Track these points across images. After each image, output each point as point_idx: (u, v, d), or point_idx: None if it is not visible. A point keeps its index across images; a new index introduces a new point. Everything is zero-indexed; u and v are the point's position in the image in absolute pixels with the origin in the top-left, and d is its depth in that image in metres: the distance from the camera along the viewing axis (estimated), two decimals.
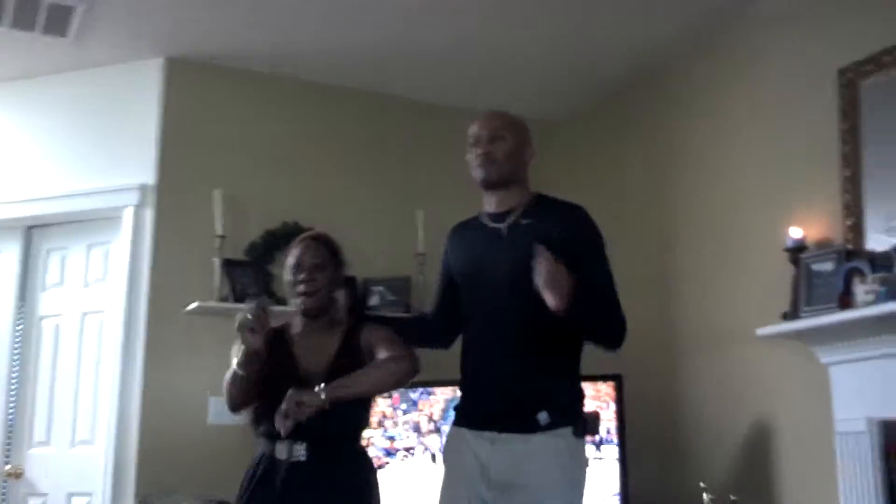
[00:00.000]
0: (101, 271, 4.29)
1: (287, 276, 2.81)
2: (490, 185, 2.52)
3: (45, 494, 4.14)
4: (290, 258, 2.82)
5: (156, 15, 3.89)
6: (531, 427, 2.33)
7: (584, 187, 4.06)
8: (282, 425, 2.53)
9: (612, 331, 2.41)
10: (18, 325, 4.35)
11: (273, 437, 2.65)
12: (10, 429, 4.24)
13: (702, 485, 3.45)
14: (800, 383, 3.37)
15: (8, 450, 4.22)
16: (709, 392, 3.49)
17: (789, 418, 3.42)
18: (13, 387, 4.28)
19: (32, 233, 4.42)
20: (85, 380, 4.21)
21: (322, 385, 2.54)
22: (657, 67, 4.29)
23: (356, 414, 2.75)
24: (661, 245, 4.13)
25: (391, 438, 3.97)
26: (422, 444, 3.95)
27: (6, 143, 4.43)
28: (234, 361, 2.71)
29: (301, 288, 2.75)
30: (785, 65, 3.60)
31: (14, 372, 4.30)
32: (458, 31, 4.05)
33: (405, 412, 3.98)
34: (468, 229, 2.62)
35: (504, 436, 2.36)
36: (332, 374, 2.62)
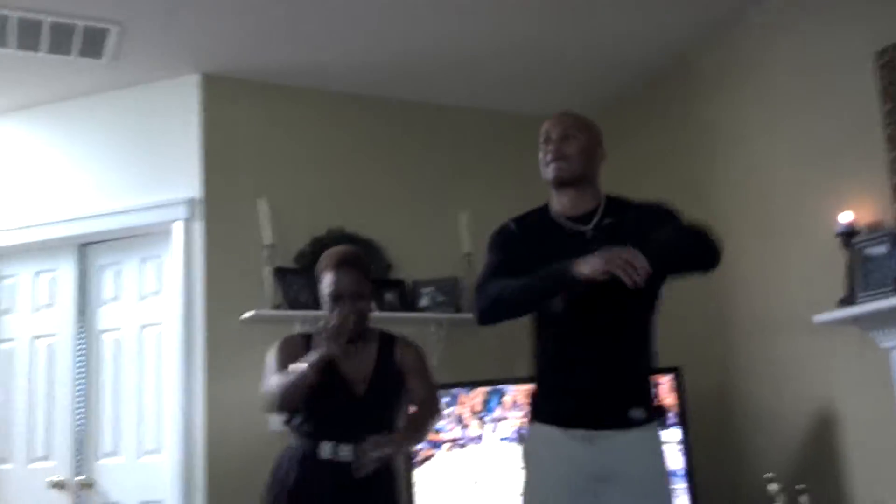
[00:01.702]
0: (155, 285, 4.37)
1: (326, 302, 2.92)
2: (561, 183, 2.47)
3: (117, 503, 4.26)
4: (328, 286, 2.91)
5: (189, 33, 3.93)
6: (626, 423, 2.36)
7: (625, 179, 4.00)
8: (361, 467, 2.73)
9: (701, 260, 2.35)
10: (80, 340, 4.45)
11: (316, 437, 2.84)
12: (79, 441, 4.35)
13: (767, 475, 3.43)
14: (860, 369, 3.33)
15: (78, 462, 4.33)
16: (768, 381, 3.47)
17: (852, 405, 3.38)
18: (79, 400, 4.39)
19: (86, 250, 4.51)
20: (148, 390, 4.30)
21: (393, 440, 2.82)
22: (693, 55, 4.22)
23: (392, 416, 2.94)
24: None
25: (437, 431, 3.97)
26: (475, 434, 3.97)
27: (53, 164, 4.51)
28: (272, 366, 2.92)
29: (345, 318, 2.85)
30: (822, 48, 3.53)
31: (79, 386, 4.41)
32: (491, 35, 4.04)
33: (448, 405, 3.98)
34: (542, 228, 2.51)
35: (600, 433, 2.36)
36: (373, 383, 2.89)
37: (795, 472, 3.50)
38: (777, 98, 3.74)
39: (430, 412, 3.01)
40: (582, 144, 2.46)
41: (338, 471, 2.80)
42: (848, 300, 3.26)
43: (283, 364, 2.89)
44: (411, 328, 4.22)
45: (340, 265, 2.93)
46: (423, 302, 4.29)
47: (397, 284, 4.30)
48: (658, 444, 2.42)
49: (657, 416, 2.45)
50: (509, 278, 2.40)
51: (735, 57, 3.99)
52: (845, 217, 3.28)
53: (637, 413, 2.36)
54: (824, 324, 3.33)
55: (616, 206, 2.48)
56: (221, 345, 4.08)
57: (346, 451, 2.80)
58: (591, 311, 2.36)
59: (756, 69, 3.86)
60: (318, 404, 2.84)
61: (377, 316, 4.08)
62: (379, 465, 2.77)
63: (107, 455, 4.33)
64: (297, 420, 2.91)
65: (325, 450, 2.82)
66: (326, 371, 2.82)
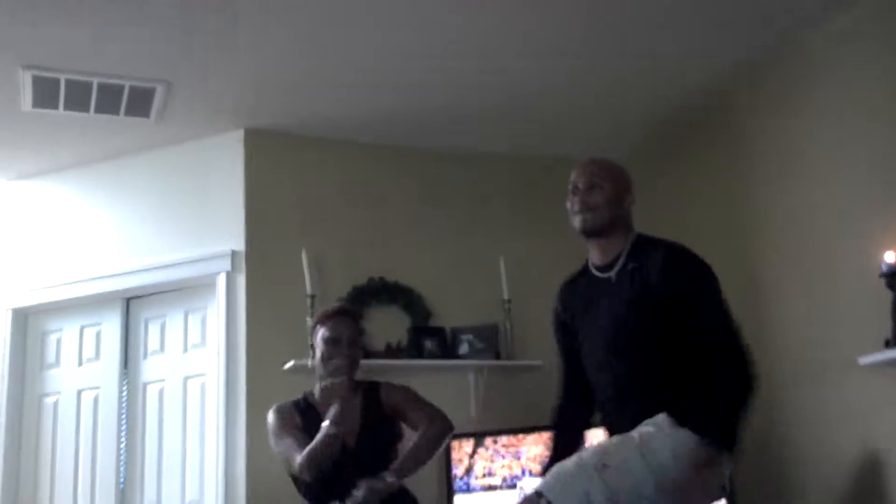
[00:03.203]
0: (199, 336, 4.43)
1: (321, 346, 3.13)
2: (589, 233, 2.52)
3: None
4: (325, 331, 3.12)
5: (232, 91, 4.04)
6: None
7: (669, 214, 4.01)
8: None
9: (739, 395, 2.28)
10: (124, 391, 4.51)
11: (323, 498, 2.96)
12: (123, 492, 4.38)
13: None
14: None
15: None
16: (813, 425, 3.41)
17: None
18: (122, 450, 4.43)
19: (131, 303, 4.59)
20: (190, 441, 4.33)
21: (389, 472, 2.94)
22: (726, 88, 4.22)
23: (388, 459, 3.06)
24: (747, 275, 4.04)
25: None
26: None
27: (100, 221, 4.63)
28: (277, 429, 3.11)
29: (344, 362, 3.07)
30: (867, 76, 3.49)
31: (122, 436, 4.45)
32: (523, 80, 4.09)
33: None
34: (578, 281, 2.63)
35: None
36: (363, 432, 3.03)
37: None
38: (825, 133, 3.70)
39: (431, 433, 3.12)
40: (608, 194, 2.50)
41: None
42: (894, 341, 3.21)
43: (286, 425, 3.11)
44: (451, 375, 4.29)
45: (337, 314, 3.19)
46: (463, 349, 4.31)
47: (437, 332, 4.32)
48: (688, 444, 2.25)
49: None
50: (570, 373, 2.65)
51: (782, 91, 3.96)
52: (890, 257, 3.25)
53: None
54: (870, 366, 3.28)
55: (642, 248, 2.48)
56: (263, 395, 4.08)
57: (357, 499, 2.90)
58: (620, 362, 2.43)
59: (804, 103, 3.83)
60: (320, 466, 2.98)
61: (418, 364, 4.18)
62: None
63: None
64: (302, 486, 3.06)
65: None
66: (316, 430, 2.99)
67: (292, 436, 3.08)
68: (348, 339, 3.11)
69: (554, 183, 4.67)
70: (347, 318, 3.19)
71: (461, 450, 4.04)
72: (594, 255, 2.55)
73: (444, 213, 4.62)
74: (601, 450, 2.29)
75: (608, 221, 2.49)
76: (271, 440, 3.21)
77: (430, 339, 4.29)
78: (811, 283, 3.72)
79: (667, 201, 4.44)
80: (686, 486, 2.24)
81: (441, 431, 3.18)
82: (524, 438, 4.05)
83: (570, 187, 2.55)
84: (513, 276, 4.44)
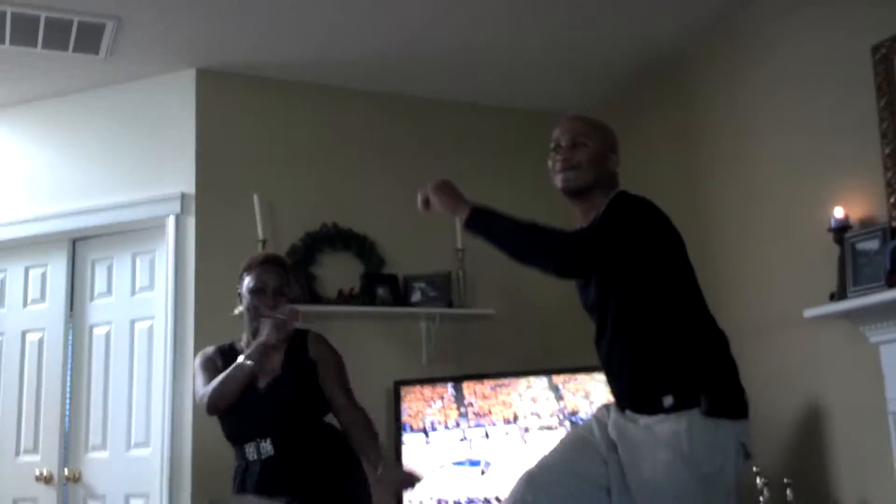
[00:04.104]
0: (147, 279, 4.37)
1: (246, 297, 3.07)
2: (570, 193, 2.39)
3: (103, 497, 4.23)
4: (251, 280, 3.07)
5: (184, 28, 3.94)
6: (657, 409, 2.24)
7: (623, 175, 4.01)
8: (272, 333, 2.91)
9: (541, 253, 2.23)
10: (69, 334, 4.44)
11: (240, 441, 2.96)
12: (67, 435, 4.34)
13: (755, 469, 3.43)
14: (850, 364, 3.34)
15: (65, 455, 4.32)
16: (757, 376, 3.40)
17: (841, 400, 3.39)
18: (67, 394, 4.38)
19: (77, 245, 4.50)
20: (137, 385, 4.29)
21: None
22: (684, 50, 4.25)
23: (305, 405, 2.99)
24: (699, 233, 4.03)
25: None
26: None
27: (47, 160, 4.51)
28: (201, 382, 3.04)
29: (265, 312, 2.99)
30: (818, 43, 3.55)
31: (68, 379, 4.39)
32: (490, 30, 4.05)
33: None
34: None
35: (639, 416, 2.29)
36: (279, 378, 2.97)
37: (783, 466, 3.49)
38: (774, 94, 3.76)
39: (366, 420, 3.01)
40: (591, 152, 2.37)
41: (267, 467, 2.91)
42: (839, 295, 3.26)
43: (205, 366, 3.08)
44: (402, 323, 4.28)
45: (264, 263, 3.12)
46: (415, 297, 4.30)
47: (390, 279, 4.30)
48: (687, 432, 2.19)
49: (693, 402, 2.20)
50: None
51: (733, 53, 4.01)
52: (838, 212, 3.30)
53: (667, 401, 2.22)
54: (815, 318, 3.34)
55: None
56: (211, 340, 3.97)
57: (267, 448, 2.92)
58: (603, 322, 2.36)
59: (753, 65, 3.88)
60: (232, 410, 2.97)
61: (370, 311, 4.16)
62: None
63: (94, 448, 4.31)
64: (225, 427, 3.04)
65: (251, 452, 2.94)
66: None
67: (206, 376, 3.06)
68: (273, 289, 3.03)
69: (514, 134, 4.74)
70: (273, 266, 3.10)
71: (411, 396, 4.06)
72: (577, 215, 2.43)
73: (400, 160, 4.56)
74: None
75: (590, 182, 2.36)
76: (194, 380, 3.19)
77: (382, 286, 4.27)
78: (760, 239, 3.77)
79: (628, 159, 4.45)
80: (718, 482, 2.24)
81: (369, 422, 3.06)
82: (473, 385, 4.09)
83: (551, 144, 2.42)
84: None
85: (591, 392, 4.04)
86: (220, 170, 4.24)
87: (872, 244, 3.18)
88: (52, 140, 4.52)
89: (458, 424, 4.06)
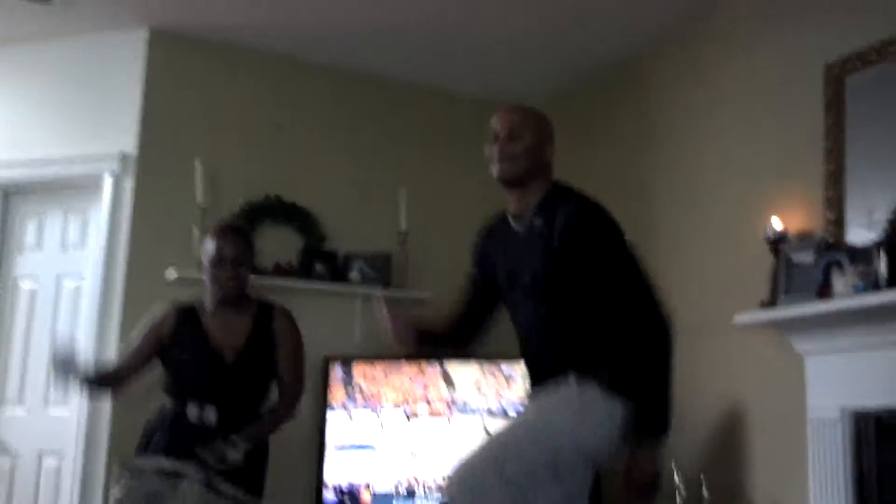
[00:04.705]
0: (79, 237, 4.27)
1: (205, 263, 3.09)
2: (506, 183, 2.45)
3: (15, 453, 4.14)
4: (210, 248, 3.08)
5: None
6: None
7: (572, 170, 4.04)
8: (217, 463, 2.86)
9: (654, 344, 2.26)
10: None
11: (183, 397, 2.97)
12: None
13: (672, 464, 3.50)
14: (774, 371, 3.42)
15: None
16: (683, 376, 3.51)
17: (762, 405, 3.47)
18: None
19: (10, 198, 4.37)
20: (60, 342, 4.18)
21: (237, 438, 2.88)
22: (640, 54, 4.29)
23: (261, 382, 3.07)
24: (639, 232, 4.05)
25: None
26: None
27: None
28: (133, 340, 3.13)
29: (224, 282, 3.03)
30: (773, 57, 3.62)
31: None
32: (444, 12, 4.03)
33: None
34: (497, 231, 2.55)
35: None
36: (245, 352, 3.01)
37: (701, 464, 3.56)
38: (726, 104, 3.82)
39: (293, 401, 3.11)
40: (528, 144, 2.42)
41: (203, 433, 2.91)
42: (769, 303, 3.33)
43: (148, 327, 3.12)
44: (338, 300, 4.25)
45: (224, 232, 3.12)
46: (353, 275, 4.26)
47: (329, 256, 4.26)
48: (585, 393, 2.27)
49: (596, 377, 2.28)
50: (469, 301, 2.62)
51: (687, 60, 4.07)
52: (776, 223, 3.36)
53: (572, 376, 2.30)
54: (744, 325, 3.40)
55: (552, 202, 2.42)
56: (141, 303, 3.91)
57: (211, 415, 2.94)
58: (532, 319, 2.43)
59: (708, 74, 3.94)
60: (186, 368, 3.03)
61: (306, 286, 4.12)
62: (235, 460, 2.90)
63: (10, 403, 4.20)
64: (167, 381, 3.07)
65: (192, 412, 2.95)
66: (198, 337, 3.03)
67: (135, 341, 3.13)
68: (233, 259, 3.04)
69: (466, 121, 4.71)
70: (233, 236, 3.12)
71: (337, 373, 4.10)
72: (511, 204, 2.48)
73: (350, 137, 4.52)
74: (501, 442, 2.30)
75: (525, 171, 2.42)
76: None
77: (320, 262, 4.23)
78: (699, 244, 3.84)
79: (578, 155, 4.50)
80: (587, 445, 2.27)
81: (295, 410, 3.15)
82: (401, 366, 4.12)
83: (489, 134, 2.47)
84: (412, 208, 4.40)
85: (480, 382, 4.11)
86: (164, 132, 4.15)
87: (807, 256, 3.24)
88: None
89: (344, 406, 4.10)
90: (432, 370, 4.12)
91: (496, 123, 2.47)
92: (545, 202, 2.42)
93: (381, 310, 2.50)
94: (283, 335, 3.10)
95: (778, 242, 3.35)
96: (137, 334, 3.15)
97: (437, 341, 2.67)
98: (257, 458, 2.99)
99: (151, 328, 3.12)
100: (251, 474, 2.94)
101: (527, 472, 2.20)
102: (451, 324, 2.67)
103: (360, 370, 4.12)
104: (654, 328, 2.27)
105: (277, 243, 4.22)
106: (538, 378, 2.41)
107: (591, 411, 2.26)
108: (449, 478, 2.29)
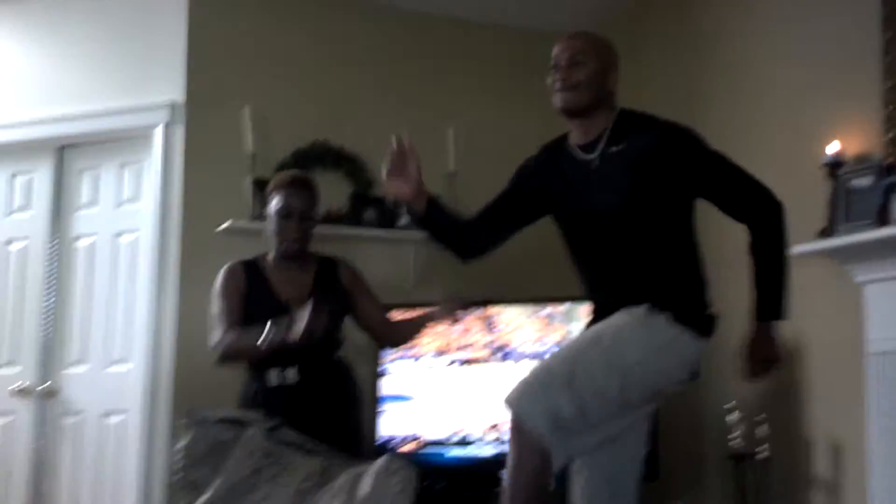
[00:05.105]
0: (133, 191, 4.30)
1: (272, 217, 3.07)
2: (569, 113, 2.40)
3: (81, 412, 4.21)
4: (279, 201, 3.05)
5: None
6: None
7: (623, 91, 3.96)
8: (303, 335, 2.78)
9: (778, 226, 2.41)
10: (53, 245, 4.39)
11: (261, 366, 2.96)
12: (46, 348, 4.30)
13: (728, 405, 3.45)
14: (832, 303, 3.32)
15: (44, 369, 4.28)
16: (738, 310, 3.48)
17: (820, 338, 3.38)
18: (48, 306, 4.34)
19: (64, 153, 4.42)
20: (119, 299, 4.25)
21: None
22: None
23: (334, 334, 3.07)
24: None
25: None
26: None
27: (36, 62, 4.42)
28: (219, 311, 3.07)
29: (290, 236, 3.03)
30: None
31: (49, 291, 4.35)
32: None
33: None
34: (559, 157, 2.49)
35: None
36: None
37: (757, 402, 3.49)
38: (779, 20, 3.67)
39: (404, 333, 3.22)
40: (591, 71, 2.36)
41: (288, 395, 2.95)
42: (827, 232, 3.24)
43: (227, 299, 3.07)
44: (389, 246, 4.25)
45: (293, 184, 3.09)
46: (403, 220, 4.25)
47: (378, 202, 4.25)
48: (655, 321, 2.28)
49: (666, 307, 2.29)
50: (493, 210, 2.61)
51: None
52: (832, 147, 3.25)
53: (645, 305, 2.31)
54: (802, 256, 3.31)
55: (628, 128, 2.38)
56: (196, 255, 4.02)
57: (292, 375, 2.96)
58: (606, 253, 2.41)
59: None
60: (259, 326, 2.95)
61: (357, 233, 4.13)
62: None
63: (73, 363, 4.28)
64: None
65: (272, 378, 2.96)
66: (265, 293, 3.01)
67: (226, 302, 3.06)
68: (300, 213, 3.04)
69: (512, 54, 4.64)
70: (301, 189, 3.09)
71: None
72: (576, 135, 2.43)
73: (396, 77, 4.46)
74: (570, 357, 2.28)
75: (590, 101, 2.37)
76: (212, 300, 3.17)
77: (370, 208, 4.22)
78: (755, 168, 3.69)
79: (625, 80, 4.40)
80: (654, 376, 2.31)
81: (405, 340, 3.30)
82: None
83: (551, 62, 2.41)
84: (461, 147, 4.34)
85: (523, 326, 3.97)
86: (212, 80, 4.14)
87: (865, 181, 3.13)
88: (40, 42, 4.42)
89: None
90: (471, 315, 3.96)
91: (557, 51, 2.40)
92: (617, 129, 2.37)
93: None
94: (357, 288, 3.12)
95: (835, 167, 3.24)
96: (221, 306, 3.08)
97: (443, 227, 2.58)
98: (354, 425, 3.04)
99: (233, 291, 3.08)
100: (312, 423, 2.92)
101: (593, 391, 2.20)
102: (466, 222, 2.62)
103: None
104: (778, 209, 2.39)
105: (326, 190, 4.15)
106: (609, 311, 2.36)
107: (663, 344, 2.28)
108: (521, 378, 2.27)
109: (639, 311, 2.29)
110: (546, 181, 2.51)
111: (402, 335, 3.28)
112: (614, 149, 2.35)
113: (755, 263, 2.39)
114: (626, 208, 2.33)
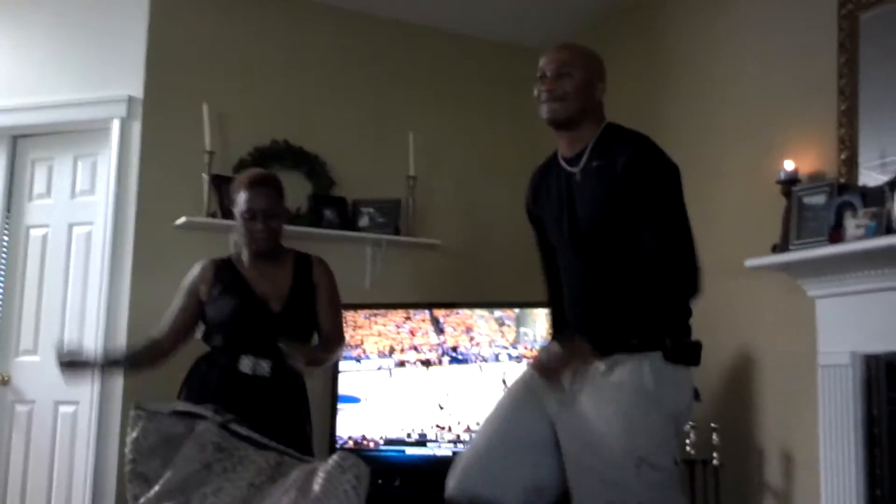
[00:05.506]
0: (88, 183, 4.24)
1: (238, 219, 3.02)
2: (556, 124, 2.37)
3: (32, 401, 4.17)
4: (242, 203, 3.00)
5: None
6: (620, 349, 2.27)
7: None
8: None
9: (681, 289, 2.31)
10: (5, 234, 4.31)
11: (236, 351, 2.92)
12: None
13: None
14: (785, 316, 3.39)
15: None
16: (694, 321, 3.54)
17: (773, 350, 3.45)
18: (0, 295, 4.27)
19: (18, 142, 4.35)
20: (73, 290, 4.20)
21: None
22: None
23: (308, 331, 3.07)
24: None
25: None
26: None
27: None
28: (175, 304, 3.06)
29: (257, 236, 2.98)
30: None
31: (0, 281, 4.28)
32: None
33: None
34: (549, 173, 2.49)
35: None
36: (290, 300, 2.98)
37: (713, 411, 3.54)
38: (738, 40, 3.74)
39: (334, 348, 3.11)
40: (578, 82, 2.34)
41: (257, 385, 2.91)
42: (781, 247, 3.29)
43: (184, 298, 3.06)
44: (348, 247, 4.23)
45: (255, 184, 3.02)
46: (363, 222, 4.25)
47: (338, 202, 4.24)
48: (650, 374, 2.26)
49: (659, 347, 2.27)
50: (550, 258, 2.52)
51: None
52: (788, 164, 3.31)
53: (633, 341, 2.28)
54: (756, 269, 3.37)
55: (611, 143, 2.35)
56: (151, 249, 3.99)
57: (265, 367, 2.92)
58: (583, 264, 2.39)
59: (720, 9, 3.86)
60: (233, 319, 2.97)
61: (316, 232, 4.11)
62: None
63: (25, 352, 4.23)
64: (217, 339, 3.02)
65: (245, 364, 2.92)
66: (243, 291, 2.99)
67: (182, 301, 3.07)
68: (264, 213, 2.98)
69: (476, 64, 4.66)
70: (264, 187, 3.03)
71: (351, 321, 4.03)
72: (562, 147, 2.42)
73: (358, 81, 4.46)
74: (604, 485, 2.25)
75: (577, 112, 2.34)
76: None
77: (330, 208, 4.21)
78: (710, 186, 3.75)
79: None
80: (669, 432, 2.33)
81: (335, 356, 3.21)
82: (416, 315, 4.06)
83: (537, 73, 2.40)
84: (421, 153, 4.35)
85: (472, 327, 3.99)
86: (171, 75, 4.10)
87: (819, 199, 3.20)
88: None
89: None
90: (420, 317, 4.03)
91: (544, 62, 2.39)
92: (603, 144, 2.35)
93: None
94: (324, 285, 3.08)
95: (790, 184, 3.30)
96: (175, 302, 3.08)
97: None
98: (283, 404, 2.99)
99: (190, 287, 3.07)
100: (272, 420, 2.88)
101: (620, 474, 2.21)
102: (557, 290, 2.54)
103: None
104: (685, 282, 2.30)
105: (286, 189, 4.17)
106: (593, 341, 2.30)
107: (660, 393, 2.26)
108: None
109: (630, 368, 2.26)
110: (540, 203, 2.52)
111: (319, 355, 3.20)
112: (595, 163, 2.34)
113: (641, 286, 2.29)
114: (602, 225, 2.31)
